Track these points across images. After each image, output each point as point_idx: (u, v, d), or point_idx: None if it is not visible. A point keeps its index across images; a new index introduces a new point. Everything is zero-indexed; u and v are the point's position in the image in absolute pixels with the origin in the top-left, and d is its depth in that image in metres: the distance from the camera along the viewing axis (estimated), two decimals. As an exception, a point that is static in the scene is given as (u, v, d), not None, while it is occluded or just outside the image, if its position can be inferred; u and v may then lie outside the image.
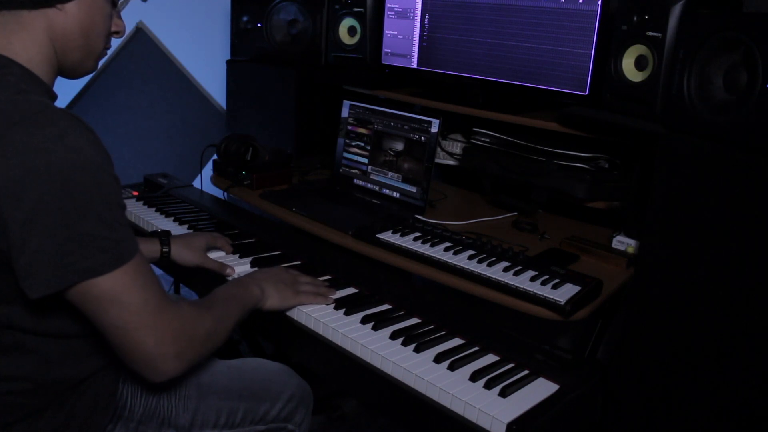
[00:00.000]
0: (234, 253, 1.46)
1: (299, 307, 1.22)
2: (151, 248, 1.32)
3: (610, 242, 1.46)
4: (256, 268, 1.39)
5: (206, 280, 1.38)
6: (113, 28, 1.02)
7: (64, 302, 0.87)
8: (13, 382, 0.91)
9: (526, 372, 1.06)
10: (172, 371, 0.91)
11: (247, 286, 1.17)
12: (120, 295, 0.84)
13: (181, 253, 1.35)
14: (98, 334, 0.98)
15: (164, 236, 1.35)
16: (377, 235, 1.46)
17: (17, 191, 0.77)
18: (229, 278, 1.36)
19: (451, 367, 1.05)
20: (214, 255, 1.43)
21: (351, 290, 1.33)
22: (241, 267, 1.39)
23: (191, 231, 1.61)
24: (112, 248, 0.83)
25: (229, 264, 1.38)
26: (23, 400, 0.93)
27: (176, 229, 1.61)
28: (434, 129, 1.67)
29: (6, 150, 0.78)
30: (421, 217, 1.64)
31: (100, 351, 1.01)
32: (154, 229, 1.56)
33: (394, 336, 1.14)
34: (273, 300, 1.20)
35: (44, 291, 0.80)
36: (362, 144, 1.85)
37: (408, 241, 1.43)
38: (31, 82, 0.90)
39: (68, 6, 0.91)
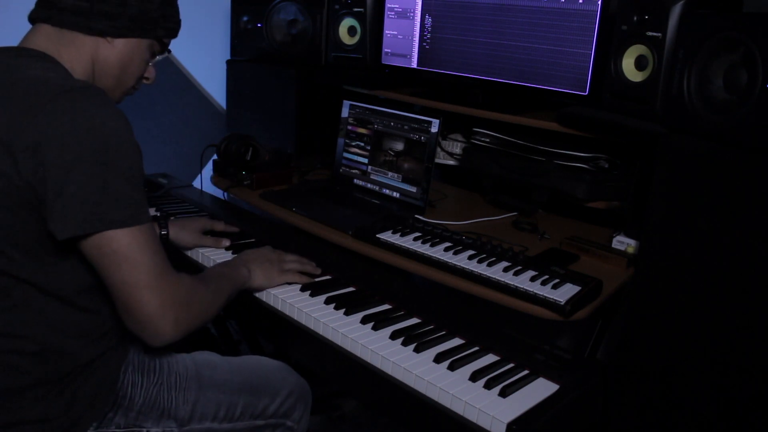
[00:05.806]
0: (235, 253, 1.46)
1: (299, 306, 1.23)
2: None
3: (610, 242, 1.46)
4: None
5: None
6: (145, 74, 1.18)
7: (70, 261, 0.96)
8: (17, 340, 0.95)
9: (526, 372, 1.06)
10: (169, 336, 0.97)
11: (236, 266, 1.25)
12: (134, 252, 0.93)
13: (179, 235, 1.43)
14: (103, 315, 1.03)
15: (162, 219, 1.42)
16: (377, 235, 1.46)
17: (62, 143, 0.88)
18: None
19: (451, 367, 1.05)
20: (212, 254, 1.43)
21: (351, 290, 1.33)
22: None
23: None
24: (135, 207, 0.93)
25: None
26: (27, 363, 0.96)
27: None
28: (434, 129, 1.67)
29: (56, 110, 0.90)
30: (421, 217, 1.64)
31: (105, 334, 1.05)
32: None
33: (394, 336, 1.14)
34: (259, 280, 1.28)
35: (72, 232, 0.89)
36: (362, 144, 1.85)
37: (408, 241, 1.43)
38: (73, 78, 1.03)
39: (117, 41, 1.07)
